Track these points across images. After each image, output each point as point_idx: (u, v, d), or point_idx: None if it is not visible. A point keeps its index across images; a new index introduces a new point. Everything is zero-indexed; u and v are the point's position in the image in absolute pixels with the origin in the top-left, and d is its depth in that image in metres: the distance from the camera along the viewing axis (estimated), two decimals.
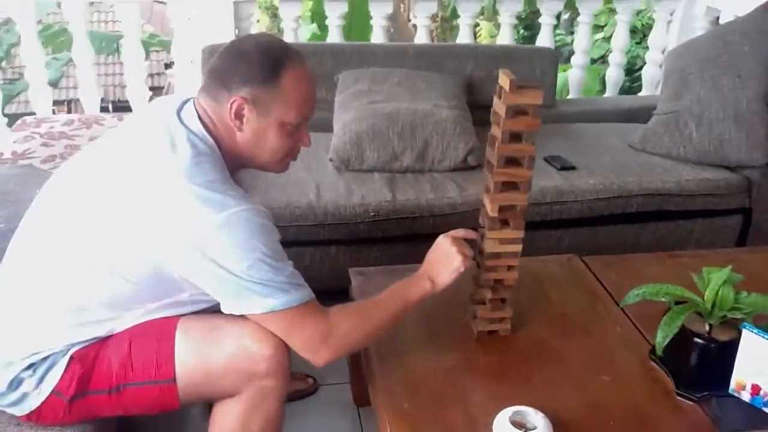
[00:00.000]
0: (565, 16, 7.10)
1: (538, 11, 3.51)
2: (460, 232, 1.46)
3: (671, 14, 3.36)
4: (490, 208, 1.41)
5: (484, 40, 7.20)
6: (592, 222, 2.33)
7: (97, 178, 1.31)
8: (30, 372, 1.29)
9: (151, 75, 9.06)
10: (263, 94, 1.29)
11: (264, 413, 1.32)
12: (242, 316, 1.27)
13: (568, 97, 3.47)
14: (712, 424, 1.31)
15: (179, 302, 1.32)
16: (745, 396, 1.32)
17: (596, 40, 6.69)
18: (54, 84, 4.22)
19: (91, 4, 3.23)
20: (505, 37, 3.33)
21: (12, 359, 1.29)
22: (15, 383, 1.29)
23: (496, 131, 1.38)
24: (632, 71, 5.27)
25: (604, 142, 2.63)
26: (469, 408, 1.34)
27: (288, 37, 3.06)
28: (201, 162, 1.25)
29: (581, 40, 3.39)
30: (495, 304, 1.52)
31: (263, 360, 1.27)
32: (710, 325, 1.36)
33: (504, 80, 1.33)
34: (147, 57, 3.79)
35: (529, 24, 6.92)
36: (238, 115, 1.30)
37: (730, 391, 1.34)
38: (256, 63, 1.29)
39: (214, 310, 1.33)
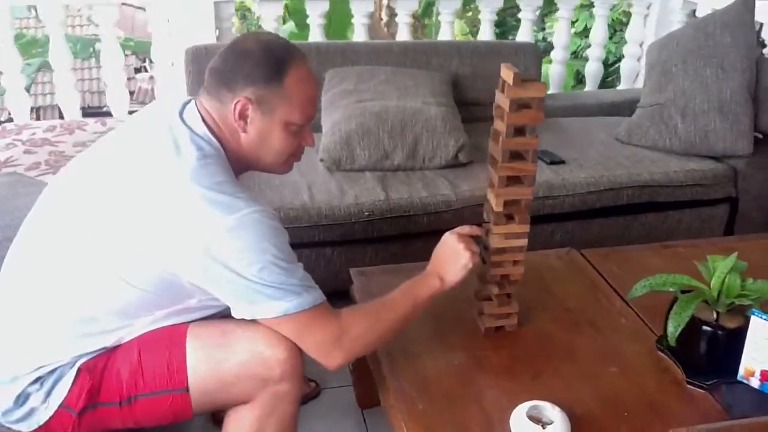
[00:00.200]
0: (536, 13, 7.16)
1: (508, 9, 3.52)
2: (465, 229, 1.46)
3: (648, 8, 3.40)
4: (495, 203, 1.41)
5: (457, 37, 7.23)
6: (583, 215, 2.35)
7: (99, 183, 1.28)
8: (37, 386, 1.26)
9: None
10: (267, 94, 1.27)
11: (279, 418, 1.31)
12: (253, 321, 1.25)
13: (549, 92, 3.49)
14: (723, 411, 1.32)
15: (188, 309, 1.30)
16: (754, 382, 1.34)
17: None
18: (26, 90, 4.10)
19: (67, 6, 3.17)
20: (486, 34, 3.34)
21: (17, 374, 1.26)
22: (21, 398, 1.26)
23: (499, 125, 1.38)
24: (606, 65, 5.34)
25: (590, 135, 2.65)
26: (483, 405, 1.34)
27: None
28: (207, 164, 1.23)
29: (561, 36, 3.42)
30: (501, 300, 1.52)
31: (277, 364, 1.26)
32: (717, 313, 1.37)
33: (507, 74, 1.33)
34: None
35: (500, 21, 6.97)
36: (243, 116, 1.28)
37: (738, 378, 1.36)
38: (260, 62, 1.27)
39: (223, 315, 1.31)
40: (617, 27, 6.50)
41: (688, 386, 1.39)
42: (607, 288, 1.72)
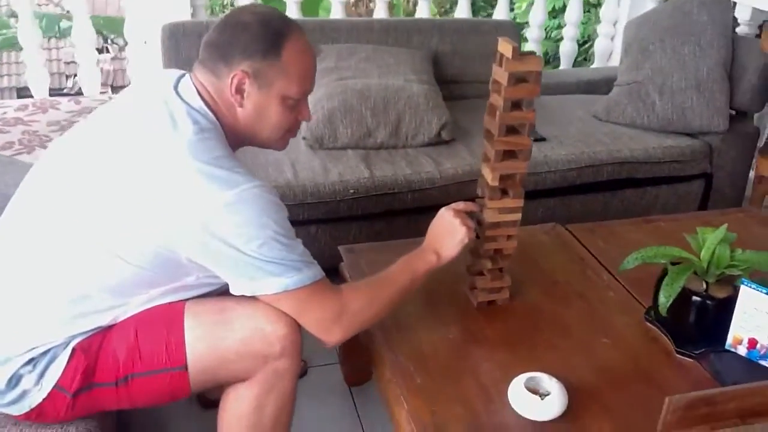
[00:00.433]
0: None
1: None
2: (460, 205, 1.46)
3: None
4: (491, 178, 1.42)
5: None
6: (563, 192, 2.38)
7: (92, 158, 1.25)
8: (30, 367, 1.23)
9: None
10: (265, 67, 1.25)
11: (278, 395, 1.30)
12: (252, 297, 1.24)
13: None
14: (712, 378, 1.36)
15: (185, 286, 1.28)
16: (742, 350, 1.38)
17: None
18: None
19: None
20: (463, 11, 3.33)
21: (9, 355, 1.23)
22: (14, 380, 1.23)
23: (496, 99, 1.38)
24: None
25: (568, 113, 2.67)
26: (480, 378, 1.36)
27: None
28: (205, 138, 1.21)
29: (537, 15, 3.43)
30: (494, 274, 1.53)
31: (277, 340, 1.25)
32: (707, 284, 1.40)
33: (505, 48, 1.33)
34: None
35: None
36: (239, 90, 1.26)
37: (726, 347, 1.40)
38: (257, 35, 1.25)
39: (220, 292, 1.30)
40: (585, 8, 6.55)
41: (678, 355, 1.42)
42: (594, 262, 1.75)
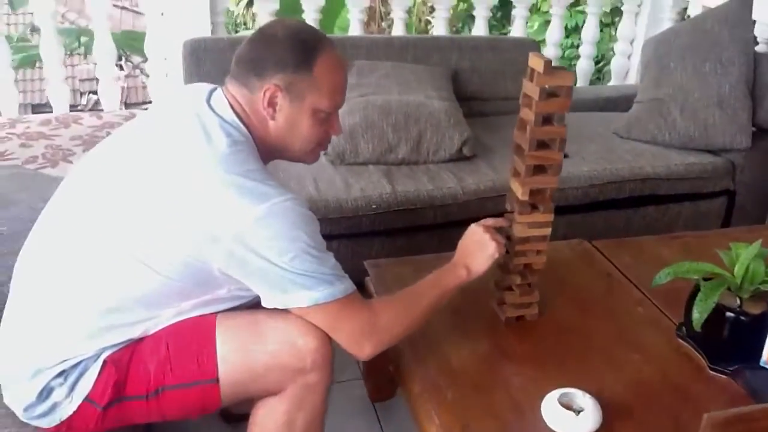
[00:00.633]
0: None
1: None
2: (490, 221, 1.46)
3: (639, 6, 3.44)
4: (521, 192, 1.41)
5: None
6: (585, 208, 2.37)
7: (125, 170, 1.26)
8: (60, 380, 1.23)
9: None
10: (297, 80, 1.26)
11: (309, 409, 1.29)
12: (283, 310, 1.23)
13: None
14: (747, 395, 1.34)
15: (216, 299, 1.28)
16: None
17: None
18: None
19: None
20: (480, 30, 3.34)
21: (40, 367, 1.23)
22: (45, 393, 1.23)
23: (526, 114, 1.38)
24: None
25: (589, 130, 2.67)
26: (512, 393, 1.34)
27: None
28: (238, 151, 1.22)
29: (553, 33, 3.45)
30: (523, 289, 1.52)
31: (309, 354, 1.24)
32: (740, 299, 1.39)
33: (537, 63, 1.33)
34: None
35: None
36: (272, 103, 1.26)
37: (761, 363, 1.38)
38: (289, 49, 1.25)
39: (251, 305, 1.30)
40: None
41: (711, 372, 1.41)
42: (622, 277, 1.74)
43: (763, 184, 2.53)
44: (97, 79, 3.04)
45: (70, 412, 1.23)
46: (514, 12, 3.37)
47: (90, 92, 9.75)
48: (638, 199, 2.41)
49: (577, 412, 1.24)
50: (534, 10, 6.57)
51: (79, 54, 7.33)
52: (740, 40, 2.44)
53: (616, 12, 5.70)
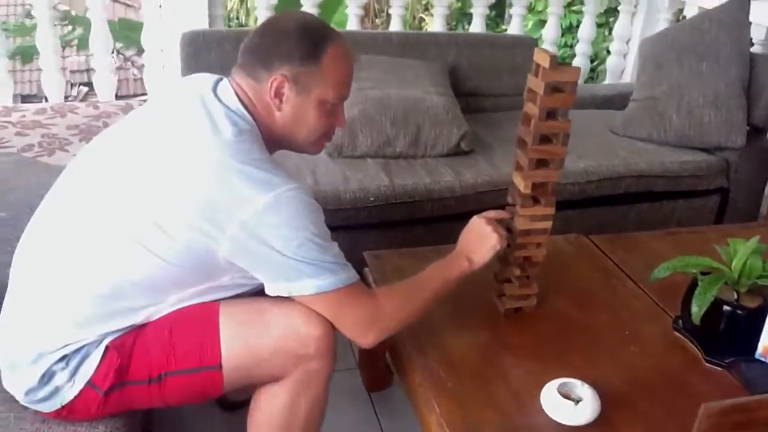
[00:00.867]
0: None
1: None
2: (492, 213, 1.47)
3: (635, 6, 3.46)
4: (523, 186, 1.43)
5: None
6: (581, 204, 2.39)
7: (131, 157, 1.25)
8: (62, 364, 1.23)
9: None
10: (304, 72, 1.26)
11: (311, 396, 1.30)
12: (287, 298, 1.24)
13: None
14: (742, 387, 1.36)
15: (219, 287, 1.28)
16: None
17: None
18: None
19: None
20: (477, 27, 3.36)
21: (42, 352, 1.22)
22: (46, 377, 1.23)
23: (531, 109, 1.39)
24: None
25: (585, 127, 2.68)
26: (511, 383, 1.36)
27: None
28: (243, 140, 1.22)
29: (551, 32, 3.47)
30: (522, 282, 1.54)
31: (312, 341, 1.25)
32: (738, 293, 1.41)
33: (542, 58, 1.34)
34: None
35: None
36: (278, 94, 1.27)
37: (757, 356, 1.40)
38: (297, 40, 1.26)
39: (254, 293, 1.30)
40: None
41: (707, 364, 1.43)
42: (618, 271, 1.76)
43: (757, 182, 2.56)
44: (88, 70, 3.03)
45: (72, 397, 1.23)
46: (510, 10, 3.39)
47: (80, 84, 9.71)
48: (633, 195, 2.43)
49: (576, 401, 1.26)
50: (528, 8, 6.61)
51: (71, 46, 7.30)
52: (737, 40, 2.46)
53: (610, 12, 5.74)
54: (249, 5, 7.80)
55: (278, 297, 1.24)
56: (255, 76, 1.28)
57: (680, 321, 1.51)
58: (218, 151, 1.19)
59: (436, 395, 1.32)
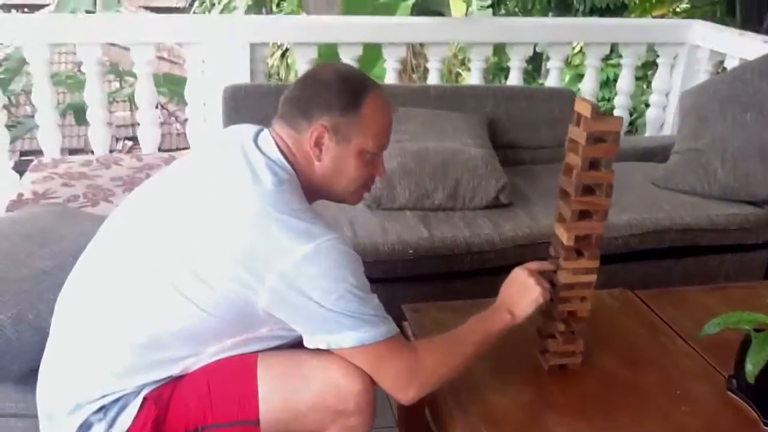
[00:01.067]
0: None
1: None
2: (534, 264, 1.44)
3: (674, 59, 3.45)
4: (566, 238, 1.40)
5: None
6: (624, 258, 2.34)
7: (172, 207, 1.27)
8: (100, 415, 1.22)
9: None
10: (344, 122, 1.27)
11: None
12: (326, 351, 1.22)
13: None
14: None
15: (258, 338, 1.27)
16: None
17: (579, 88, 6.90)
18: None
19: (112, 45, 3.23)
20: (514, 80, 3.37)
21: (80, 402, 1.22)
22: (84, 427, 1.22)
23: (573, 159, 1.37)
24: None
25: (626, 179, 2.64)
26: None
27: None
28: (284, 190, 1.22)
29: (588, 84, 3.47)
30: (566, 337, 1.49)
31: (352, 396, 1.22)
32: None
33: (584, 107, 1.33)
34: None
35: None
36: (318, 144, 1.28)
37: None
38: (337, 91, 1.27)
39: (292, 345, 1.28)
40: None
41: (765, 427, 1.35)
42: (666, 328, 1.70)
43: None
44: (133, 125, 3.11)
45: None
46: (548, 64, 3.41)
47: (125, 138, 10.00)
48: (678, 249, 2.37)
49: None
50: (566, 62, 6.64)
51: (117, 102, 7.54)
52: None
53: (648, 66, 5.73)
54: (289, 61, 8.00)
55: (317, 349, 1.22)
56: (295, 127, 1.29)
57: (734, 380, 1.44)
58: (258, 201, 1.19)
59: None
